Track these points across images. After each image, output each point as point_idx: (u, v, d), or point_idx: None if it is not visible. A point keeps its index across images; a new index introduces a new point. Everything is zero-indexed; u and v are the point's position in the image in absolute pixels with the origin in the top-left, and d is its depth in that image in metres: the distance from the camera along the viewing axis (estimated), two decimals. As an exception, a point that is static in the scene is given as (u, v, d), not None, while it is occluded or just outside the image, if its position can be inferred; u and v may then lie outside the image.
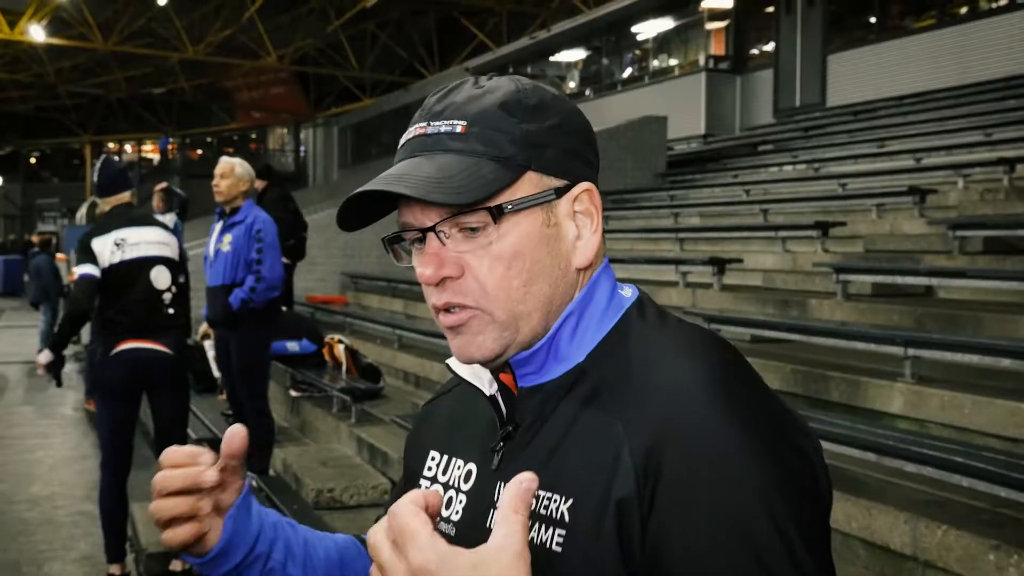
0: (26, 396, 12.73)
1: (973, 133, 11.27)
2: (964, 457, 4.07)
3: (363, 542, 1.48)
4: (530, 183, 1.18)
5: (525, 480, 0.97)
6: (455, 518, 1.28)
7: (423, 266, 1.18)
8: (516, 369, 1.23)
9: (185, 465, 1.22)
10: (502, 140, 1.17)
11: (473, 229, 1.16)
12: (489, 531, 1.17)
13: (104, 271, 5.49)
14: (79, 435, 10.26)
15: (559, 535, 1.12)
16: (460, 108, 1.19)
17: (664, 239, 11.55)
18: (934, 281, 7.17)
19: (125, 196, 5.78)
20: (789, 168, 13.54)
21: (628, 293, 1.26)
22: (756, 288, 8.93)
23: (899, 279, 7.24)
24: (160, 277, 5.64)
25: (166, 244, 5.73)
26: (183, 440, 5.77)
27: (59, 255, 18.19)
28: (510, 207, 1.16)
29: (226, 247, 6.63)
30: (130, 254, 5.57)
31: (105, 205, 5.82)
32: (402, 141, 1.23)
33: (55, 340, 5.68)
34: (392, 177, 1.17)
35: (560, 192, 1.19)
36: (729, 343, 1.21)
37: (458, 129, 1.18)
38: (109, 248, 5.52)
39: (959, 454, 4.12)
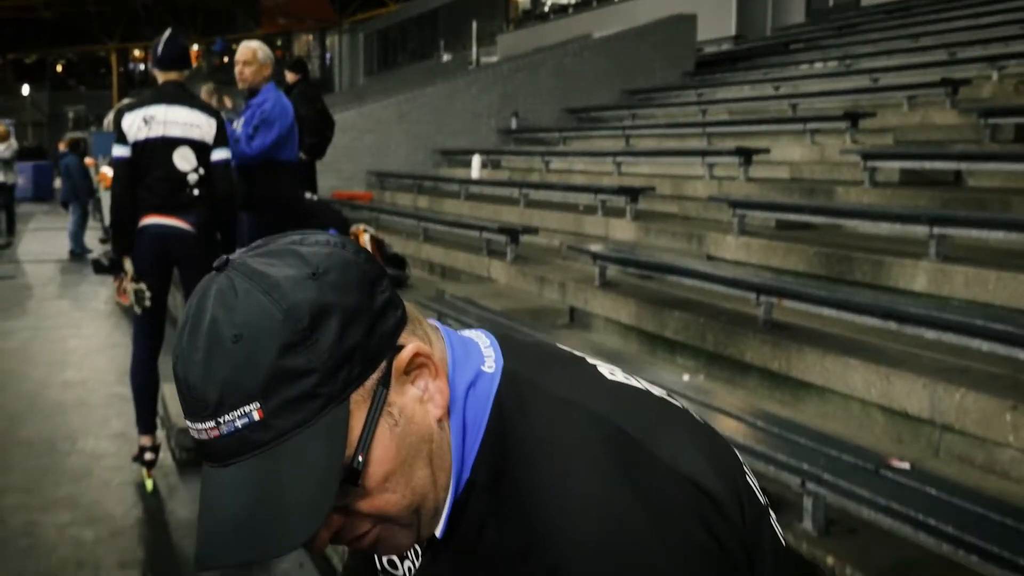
0: (59, 291, 12.93)
1: (1009, 27, 11.03)
2: (985, 320, 4.07)
3: None
4: (358, 405, 1.05)
5: None
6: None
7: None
8: None
9: None
10: (307, 393, 1.01)
11: None
12: None
13: (131, 147, 5.53)
14: (111, 326, 10.43)
15: None
16: (238, 386, 1.01)
17: (691, 135, 11.45)
18: (963, 166, 7.09)
19: (173, 75, 5.76)
20: (820, 65, 13.32)
21: (491, 365, 1.16)
22: (783, 180, 8.87)
23: (928, 164, 7.17)
24: (184, 158, 5.65)
25: (196, 126, 5.72)
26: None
27: (87, 159, 18.27)
28: (360, 461, 1.04)
29: (239, 128, 6.65)
30: (156, 132, 5.58)
31: (160, 78, 5.82)
32: (196, 435, 1.05)
33: (112, 234, 5.77)
34: (221, 537, 1.02)
35: (387, 381, 1.07)
36: (619, 425, 1.12)
37: (255, 415, 1.01)
38: (136, 124, 5.54)
39: (980, 318, 4.13)
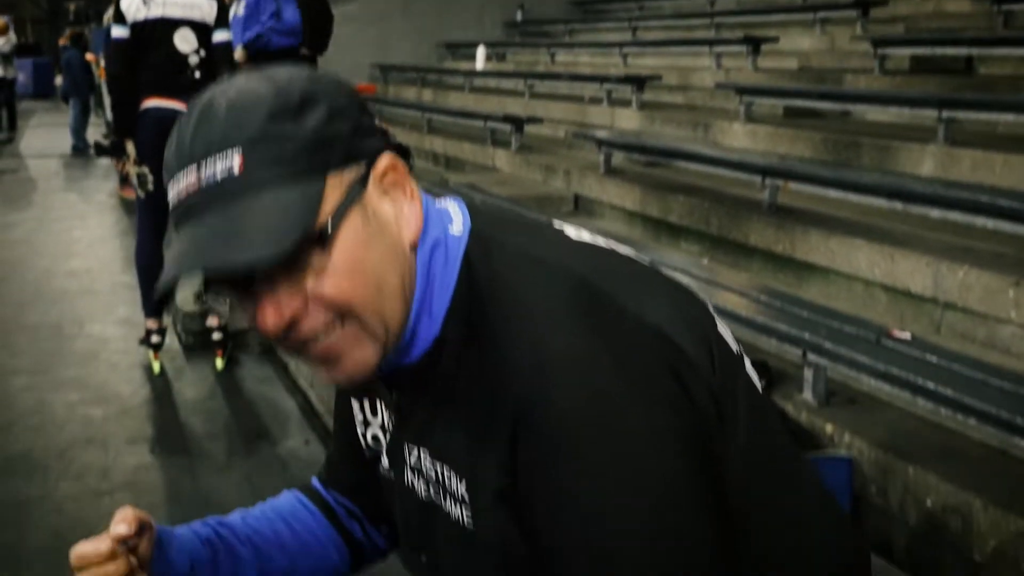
0: (63, 185, 12.89)
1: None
2: (991, 197, 4.05)
3: (308, 492, 1.48)
4: (334, 188, 1.05)
5: None
6: (385, 464, 1.29)
7: (262, 317, 1.05)
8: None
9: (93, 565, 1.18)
10: (288, 154, 1.03)
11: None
12: (410, 491, 1.20)
13: (130, 27, 5.45)
14: (114, 218, 10.42)
15: (467, 513, 1.12)
16: (225, 138, 1.03)
17: (699, 25, 11.28)
18: (974, 51, 6.99)
19: None
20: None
21: (458, 227, 1.16)
22: (791, 70, 8.76)
23: (938, 51, 7.07)
24: (185, 40, 5.57)
25: (196, 6, 5.62)
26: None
27: (88, 55, 18.05)
28: (331, 226, 1.04)
29: (240, 10, 6.55)
30: (155, 12, 5.50)
31: None
32: (174, 198, 1.07)
33: (113, 116, 5.71)
34: (191, 256, 1.03)
35: (364, 181, 1.08)
36: (585, 276, 1.11)
37: (236, 166, 1.02)
38: (135, 5, 5.46)
39: (986, 195, 4.10)
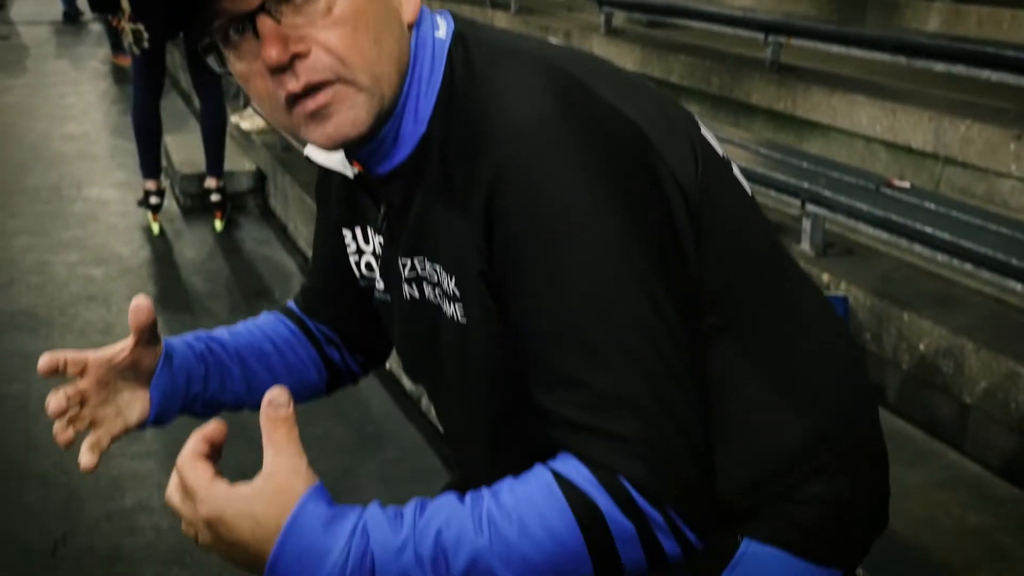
0: (56, 51, 12.69)
1: None
2: (996, 48, 4.00)
3: (288, 314, 1.48)
4: None
5: (273, 404, 0.98)
6: (380, 287, 1.28)
7: (266, 49, 1.04)
8: (367, 160, 1.16)
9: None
10: None
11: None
12: (409, 302, 1.19)
13: None
14: (108, 84, 10.29)
15: (460, 309, 1.12)
16: None
17: None
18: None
19: None
20: None
21: (443, 32, 1.14)
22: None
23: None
24: None
25: None
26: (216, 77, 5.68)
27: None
28: None
29: None
30: None
31: None
32: None
33: None
34: None
35: None
36: (563, 67, 1.11)
37: None
38: None
39: (991, 46, 4.05)
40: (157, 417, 1.28)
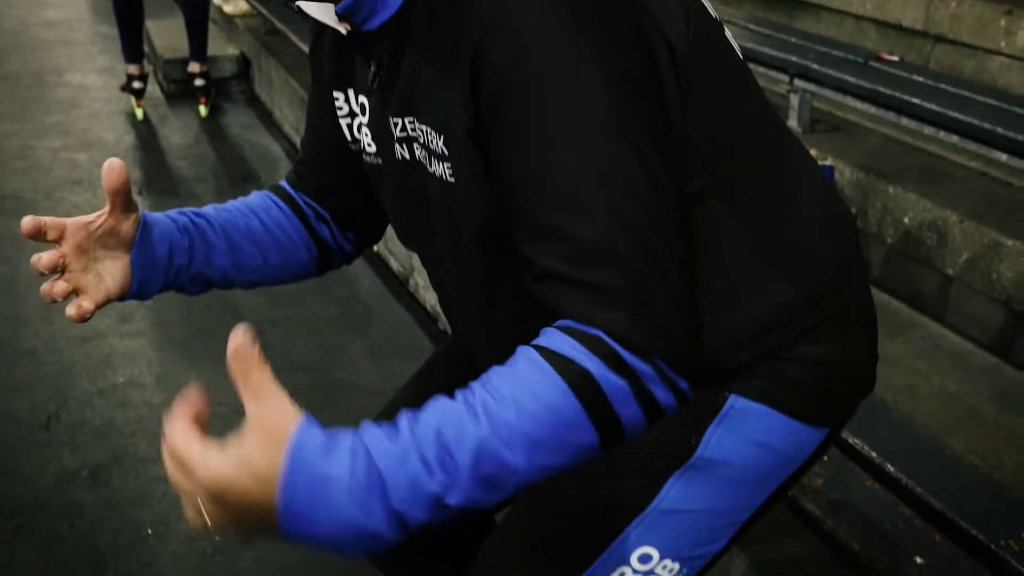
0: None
1: None
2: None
3: (278, 192, 1.44)
4: None
5: (239, 353, 0.90)
6: (372, 150, 1.25)
7: None
8: (352, 15, 1.13)
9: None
10: None
11: None
12: (400, 163, 1.17)
13: None
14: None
15: (447, 167, 1.10)
16: None
17: None
18: None
19: None
20: None
21: None
22: None
23: None
24: None
25: None
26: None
27: None
28: None
29: None
30: None
31: None
32: None
33: None
34: None
35: None
36: None
37: None
38: None
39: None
40: (140, 287, 1.26)
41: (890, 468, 1.71)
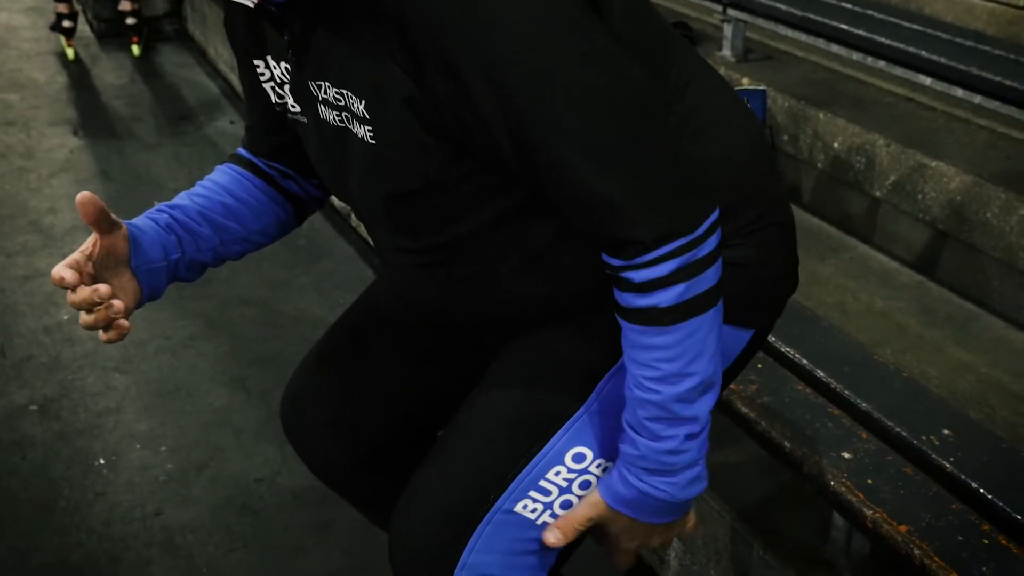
0: None
1: None
2: None
3: (238, 161, 1.48)
4: None
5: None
6: (296, 110, 1.28)
7: None
8: None
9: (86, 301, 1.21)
10: None
11: None
12: (323, 123, 1.20)
13: None
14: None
15: (368, 130, 1.13)
16: None
17: None
18: None
19: None
20: None
21: None
22: None
23: None
24: None
25: None
26: None
27: None
28: None
29: None
30: None
31: None
32: None
33: None
34: None
35: None
36: None
37: None
38: None
39: None
40: (150, 292, 1.33)
41: (820, 373, 1.80)
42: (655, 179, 1.07)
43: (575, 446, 1.21)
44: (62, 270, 1.20)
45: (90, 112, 4.94)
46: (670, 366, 1.10)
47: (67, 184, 4.00)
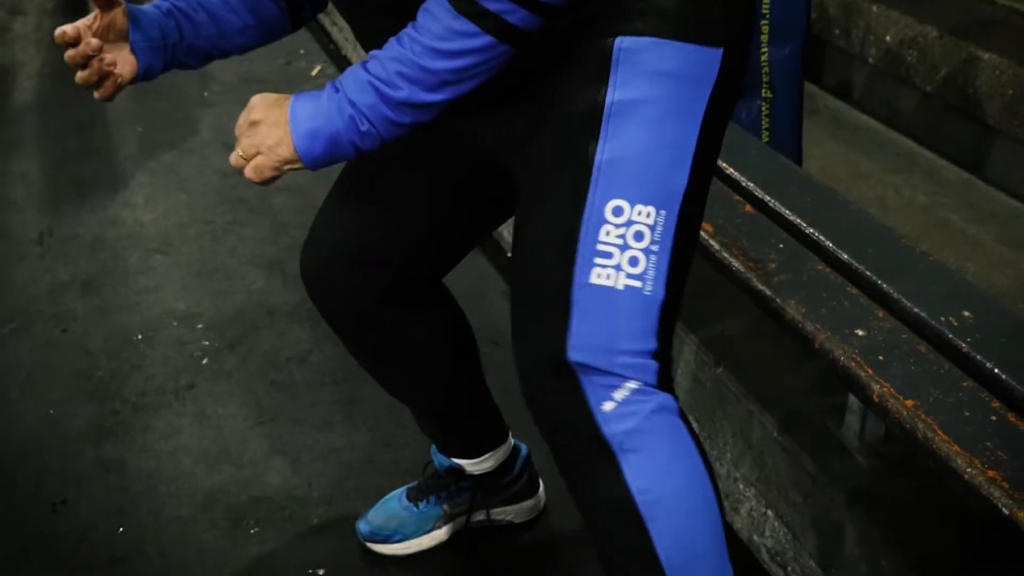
0: None
1: None
2: None
3: None
4: None
5: None
6: None
7: None
8: None
9: (76, 41, 1.34)
10: None
11: None
12: None
13: None
14: None
15: None
16: None
17: None
18: None
19: None
20: None
21: None
22: None
23: None
24: None
25: None
26: None
27: None
28: None
29: None
30: None
31: None
32: None
33: None
34: None
35: None
36: None
37: None
38: None
39: None
40: (147, 67, 1.42)
41: (844, 255, 1.76)
42: None
43: (610, 199, 1.19)
44: (64, 27, 1.33)
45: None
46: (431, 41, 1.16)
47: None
